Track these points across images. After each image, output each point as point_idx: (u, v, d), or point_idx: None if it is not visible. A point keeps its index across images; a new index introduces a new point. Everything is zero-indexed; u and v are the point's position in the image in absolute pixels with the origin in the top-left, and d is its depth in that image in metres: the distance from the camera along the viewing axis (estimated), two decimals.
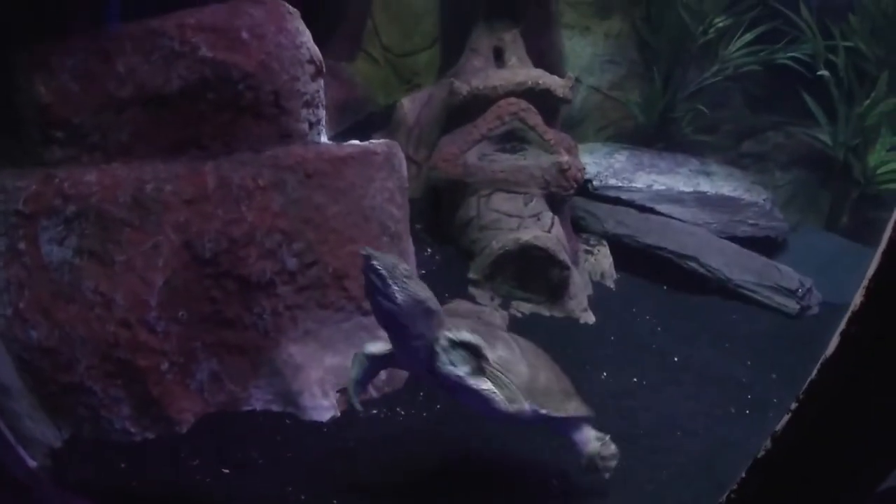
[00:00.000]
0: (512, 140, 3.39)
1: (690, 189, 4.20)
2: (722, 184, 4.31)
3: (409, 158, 3.29)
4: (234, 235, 2.29)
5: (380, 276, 1.91)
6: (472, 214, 3.30)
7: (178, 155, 2.36)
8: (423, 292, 1.98)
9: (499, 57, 3.67)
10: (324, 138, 2.65)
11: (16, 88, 2.37)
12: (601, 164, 4.16)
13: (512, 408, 2.03)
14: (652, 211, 4.07)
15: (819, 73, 4.29)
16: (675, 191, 4.16)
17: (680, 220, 4.07)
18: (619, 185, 4.09)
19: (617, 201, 4.04)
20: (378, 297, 1.93)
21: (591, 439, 2.18)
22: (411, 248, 2.79)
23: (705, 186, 4.26)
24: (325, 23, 3.15)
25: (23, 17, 2.36)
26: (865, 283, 1.18)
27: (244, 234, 2.31)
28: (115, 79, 2.31)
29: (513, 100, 3.38)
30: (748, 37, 4.44)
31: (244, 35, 2.31)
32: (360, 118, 3.87)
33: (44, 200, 2.26)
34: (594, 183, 4.04)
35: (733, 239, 4.08)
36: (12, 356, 2.28)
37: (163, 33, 2.30)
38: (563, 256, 3.11)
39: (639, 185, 4.12)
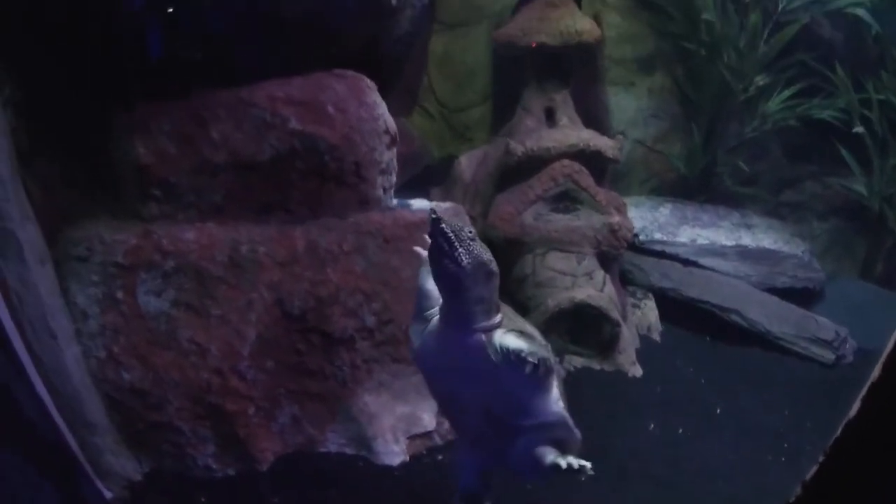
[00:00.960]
0: (565, 200, 3.64)
1: (732, 243, 4.43)
2: (762, 236, 4.54)
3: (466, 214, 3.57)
4: (320, 295, 2.57)
5: (447, 238, 1.97)
6: (527, 272, 3.54)
7: (267, 217, 2.63)
8: (487, 254, 2.02)
9: (550, 116, 3.93)
10: (393, 200, 2.93)
11: (115, 147, 2.66)
12: (647, 218, 4.40)
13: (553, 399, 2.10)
14: (696, 264, 4.30)
15: (854, 129, 4.53)
16: (718, 245, 4.39)
17: (722, 272, 4.31)
18: (664, 239, 4.32)
19: (662, 255, 4.28)
20: (444, 259, 1.97)
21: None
22: None
23: (746, 240, 4.49)
24: (385, 74, 3.42)
25: (123, 79, 2.65)
26: (883, 358, 1.41)
27: (330, 294, 2.58)
28: (210, 144, 2.59)
29: (566, 162, 3.64)
30: (786, 93, 4.67)
31: (330, 109, 2.59)
32: (417, 171, 4.14)
33: (143, 254, 2.55)
34: (640, 237, 4.27)
35: (773, 290, 4.32)
36: (101, 395, 2.55)
37: (254, 104, 2.59)
38: (615, 314, 3.35)
39: (683, 239, 4.35)
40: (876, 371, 1.40)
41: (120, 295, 2.54)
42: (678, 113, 4.95)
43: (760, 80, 4.66)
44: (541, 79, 3.96)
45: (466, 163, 3.89)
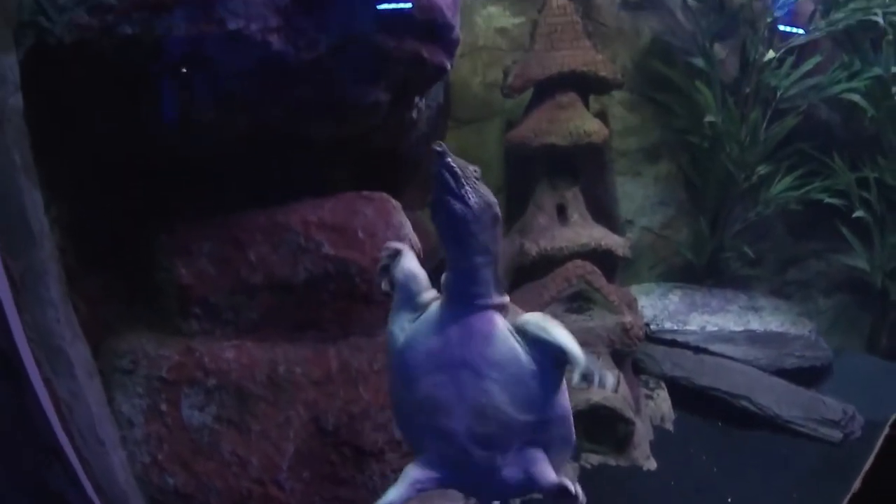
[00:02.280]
0: (579, 300, 3.89)
1: (741, 328, 4.67)
2: (770, 319, 4.78)
3: None
4: (352, 412, 2.79)
5: (454, 174, 1.86)
6: None
7: (301, 335, 2.87)
8: (492, 196, 1.94)
9: (561, 213, 4.20)
10: None
11: (158, 267, 2.90)
12: (657, 307, 4.65)
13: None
14: (706, 351, 4.52)
15: (855, 214, 4.82)
16: (727, 330, 4.62)
17: (732, 358, 4.53)
18: (675, 328, 4.56)
19: (673, 343, 4.51)
20: (449, 197, 1.87)
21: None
22: None
23: (754, 324, 4.73)
24: (401, 174, 3.66)
25: (164, 203, 2.91)
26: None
27: (361, 410, 2.81)
28: (247, 266, 2.84)
29: (579, 263, 3.89)
30: (787, 180, 4.95)
31: (360, 234, 2.84)
32: (433, 265, 4.37)
33: (186, 371, 2.79)
34: (651, 327, 4.51)
35: (782, 371, 4.53)
36: (146, 498, 2.77)
37: (289, 228, 2.84)
38: (629, 413, 3.57)
39: (693, 327, 4.59)
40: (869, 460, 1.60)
41: (164, 407, 2.78)
42: (684, 199, 5.23)
43: (762, 170, 4.94)
44: (552, 177, 4.24)
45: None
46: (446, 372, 2.06)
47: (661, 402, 4.19)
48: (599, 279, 3.88)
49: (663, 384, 4.29)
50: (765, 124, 4.85)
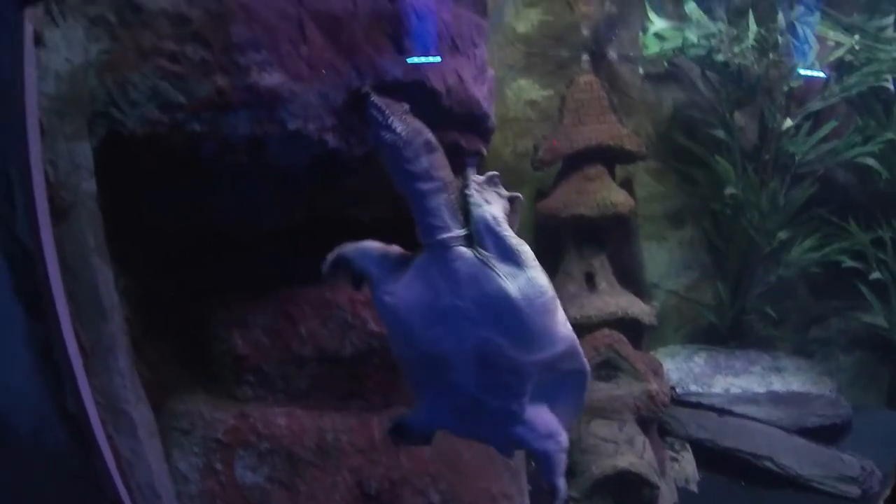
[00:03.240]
0: (607, 368, 4.08)
1: (764, 389, 4.84)
2: (792, 379, 4.95)
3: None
4: (393, 478, 2.98)
5: (379, 109, 2.05)
6: (572, 438, 3.89)
7: (346, 404, 3.06)
8: (423, 126, 2.06)
9: (590, 280, 4.41)
10: None
11: (215, 336, 3.10)
12: (682, 370, 4.82)
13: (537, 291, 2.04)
14: (730, 413, 4.69)
15: (872, 276, 5.03)
16: (751, 392, 4.80)
17: (756, 419, 4.69)
18: (700, 390, 4.74)
19: (698, 406, 4.68)
20: (379, 131, 2.04)
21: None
22: (524, 478, 3.40)
23: (777, 384, 4.89)
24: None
25: (223, 278, 3.13)
26: None
27: (401, 477, 2.99)
28: (298, 339, 3.04)
29: (607, 332, 4.10)
30: (807, 243, 5.14)
31: None
32: None
33: (240, 435, 2.98)
34: (677, 390, 4.68)
35: (803, 430, 4.73)
36: None
37: (337, 305, 3.04)
38: (654, 478, 3.74)
39: (717, 389, 4.76)
40: None
41: (219, 466, 2.98)
42: (708, 262, 5.42)
43: (783, 235, 5.14)
44: (580, 245, 4.46)
45: None
46: (441, 324, 2.13)
47: (686, 464, 4.36)
48: (626, 347, 4.07)
49: (688, 446, 4.47)
50: (784, 190, 5.06)
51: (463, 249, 2.13)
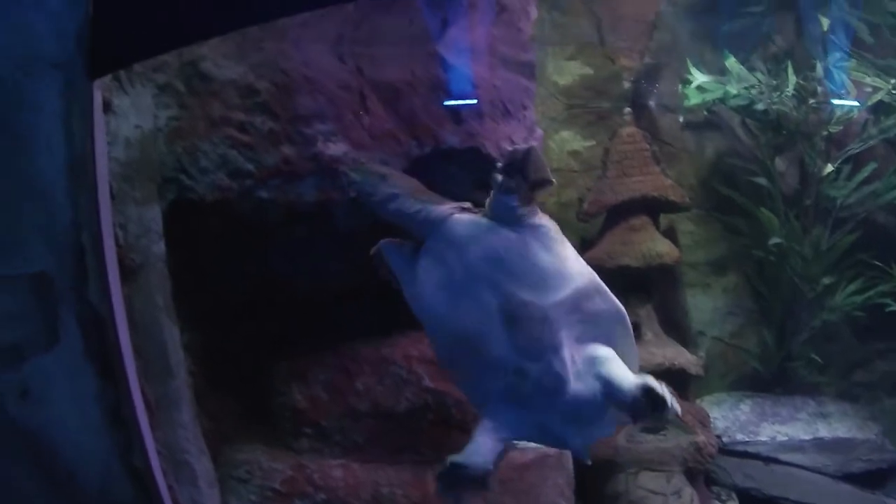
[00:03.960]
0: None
1: (810, 436, 4.73)
2: (837, 425, 4.84)
3: None
4: None
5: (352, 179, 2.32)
6: (620, 490, 3.92)
7: (400, 457, 3.08)
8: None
9: (636, 330, 4.34)
10: None
11: (275, 390, 3.16)
12: (728, 418, 4.73)
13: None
14: (776, 461, 4.60)
15: None
16: (797, 440, 4.69)
17: (802, 466, 4.60)
18: (746, 439, 4.64)
19: (744, 455, 4.59)
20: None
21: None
22: None
23: (823, 431, 4.78)
24: None
25: (284, 335, 3.17)
26: None
27: None
28: (355, 394, 3.08)
29: None
30: (851, 287, 5.03)
31: None
32: None
33: (297, 485, 3.01)
34: (723, 439, 4.59)
35: (849, 476, 4.63)
36: None
37: (393, 362, 3.08)
38: None
39: (763, 438, 4.66)
40: None
41: None
42: (752, 308, 5.34)
43: (826, 280, 5.05)
44: (626, 296, 4.37)
45: None
46: (463, 296, 2.14)
47: None
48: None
49: (735, 495, 4.40)
50: (827, 235, 4.99)
51: (457, 216, 2.19)
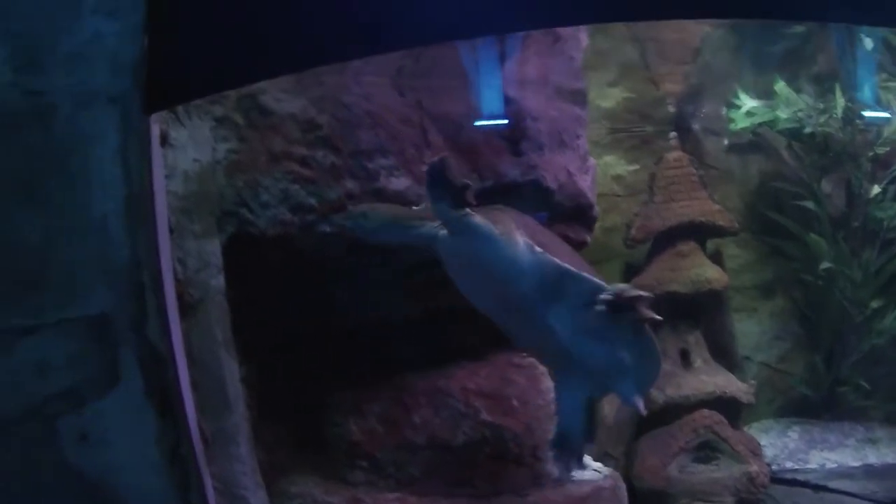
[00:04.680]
0: (706, 450, 3.88)
1: (859, 463, 4.52)
2: (887, 451, 4.62)
3: (607, 454, 3.83)
4: None
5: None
6: None
7: (455, 491, 2.94)
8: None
9: (684, 356, 4.20)
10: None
11: (331, 421, 3.05)
12: (777, 446, 4.53)
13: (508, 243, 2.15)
14: (825, 489, 4.38)
15: None
16: (846, 466, 4.48)
17: (851, 493, 4.38)
18: (795, 467, 4.43)
19: (793, 483, 4.38)
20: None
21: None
22: None
23: (872, 457, 4.57)
24: None
25: (338, 365, 3.06)
26: None
27: None
28: (411, 427, 2.95)
29: (706, 413, 3.90)
30: None
31: (514, 402, 2.95)
32: None
33: None
34: (772, 467, 4.38)
35: None
36: None
37: (450, 394, 2.95)
38: None
39: (812, 465, 4.46)
40: None
41: None
42: (799, 332, 5.12)
43: (875, 304, 4.84)
44: (674, 322, 4.26)
45: (609, 406, 4.16)
46: (470, 294, 2.35)
47: None
48: (726, 429, 3.86)
49: None
50: (875, 257, 4.78)
51: (441, 233, 2.27)
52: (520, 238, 2.21)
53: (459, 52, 2.70)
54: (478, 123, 2.59)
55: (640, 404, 2.33)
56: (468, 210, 2.18)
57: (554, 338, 2.27)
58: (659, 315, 2.34)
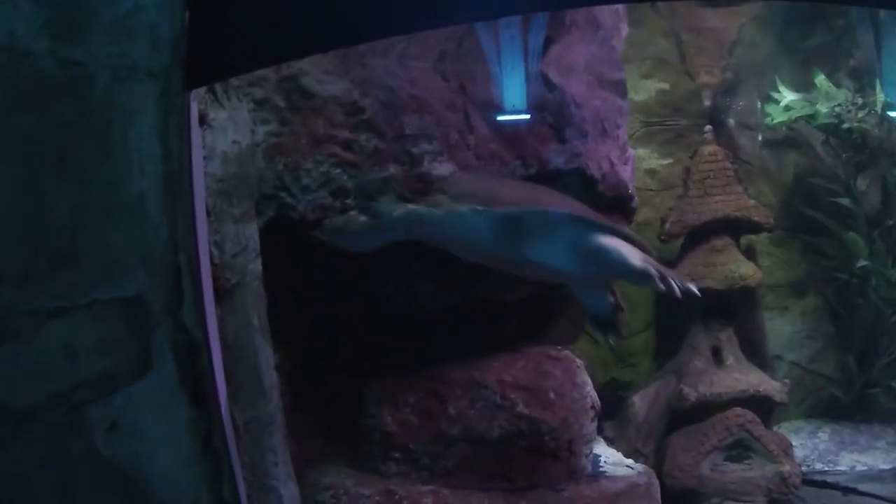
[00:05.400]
0: (738, 448, 3.73)
1: (889, 466, 4.35)
2: None
3: (637, 451, 3.68)
4: None
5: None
6: None
7: (490, 484, 2.81)
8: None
9: (716, 354, 4.03)
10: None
11: (364, 412, 2.92)
12: (807, 447, 4.38)
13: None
14: (854, 491, 4.20)
15: None
16: (876, 469, 4.32)
17: (881, 497, 4.20)
18: (825, 469, 4.28)
19: (823, 485, 4.21)
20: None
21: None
22: None
23: None
24: (553, 310, 3.57)
25: (377, 357, 2.94)
26: None
27: None
28: (447, 418, 2.82)
29: (739, 411, 3.74)
30: None
31: (551, 395, 2.80)
32: None
33: None
34: (803, 468, 4.21)
35: None
36: None
37: (486, 386, 2.81)
38: None
39: (843, 467, 4.30)
40: None
41: None
42: (831, 332, 4.94)
43: None
44: (707, 319, 4.10)
45: (640, 402, 4.01)
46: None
47: None
48: (759, 428, 3.71)
49: None
50: None
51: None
52: (465, 206, 2.25)
53: (501, 36, 2.55)
54: (517, 110, 2.42)
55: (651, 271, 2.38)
56: (407, 205, 2.26)
57: (544, 267, 2.41)
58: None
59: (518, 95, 2.44)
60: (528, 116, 2.45)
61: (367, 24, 1.80)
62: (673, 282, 2.32)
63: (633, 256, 2.36)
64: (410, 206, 2.32)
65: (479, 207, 2.25)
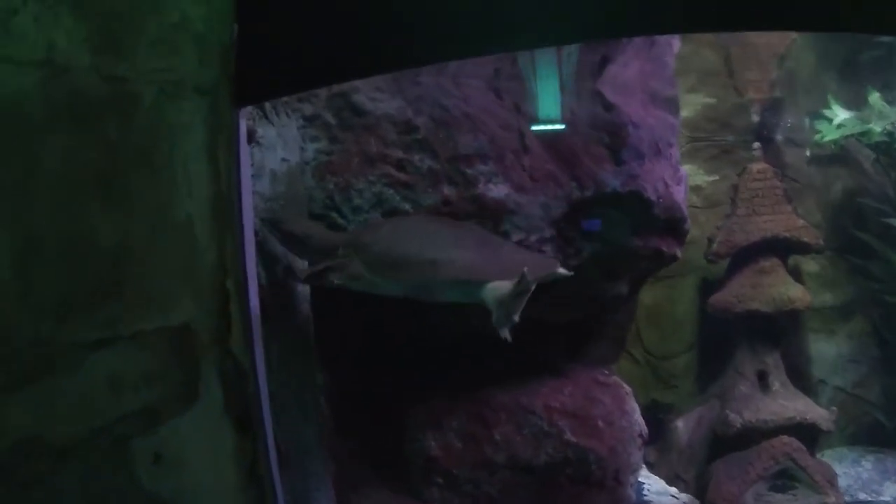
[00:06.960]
0: (783, 478, 3.55)
1: None
2: None
3: (678, 477, 3.52)
4: None
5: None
6: None
7: None
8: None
9: (762, 379, 3.85)
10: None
11: (407, 436, 2.81)
12: (850, 475, 4.17)
13: None
14: None
15: None
16: None
17: None
18: (869, 499, 4.07)
19: None
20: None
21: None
22: None
23: None
24: (597, 331, 3.42)
25: (418, 378, 2.82)
26: None
27: None
28: (492, 444, 2.70)
29: (785, 440, 3.56)
30: None
31: (600, 423, 2.68)
32: None
33: None
34: (846, 498, 4.02)
35: None
36: None
37: (532, 412, 2.69)
38: None
39: (886, 497, 4.09)
40: None
41: None
42: (877, 356, 4.71)
43: None
44: (753, 342, 3.92)
45: (683, 427, 3.86)
46: None
47: None
48: (805, 457, 3.54)
49: None
50: None
51: None
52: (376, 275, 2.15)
53: (557, 55, 2.42)
54: (577, 129, 2.29)
55: None
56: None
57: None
58: None
59: (573, 115, 2.31)
60: (583, 136, 2.30)
61: (424, 47, 1.69)
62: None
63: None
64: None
65: (386, 277, 2.14)
